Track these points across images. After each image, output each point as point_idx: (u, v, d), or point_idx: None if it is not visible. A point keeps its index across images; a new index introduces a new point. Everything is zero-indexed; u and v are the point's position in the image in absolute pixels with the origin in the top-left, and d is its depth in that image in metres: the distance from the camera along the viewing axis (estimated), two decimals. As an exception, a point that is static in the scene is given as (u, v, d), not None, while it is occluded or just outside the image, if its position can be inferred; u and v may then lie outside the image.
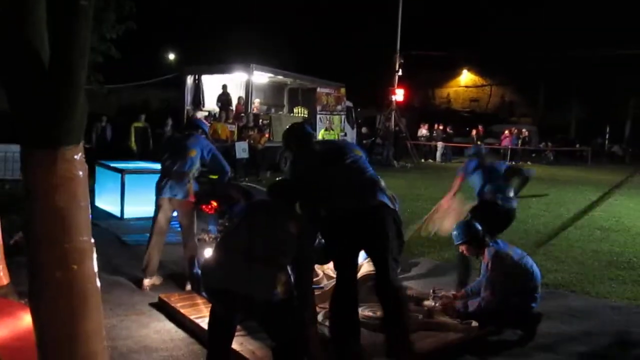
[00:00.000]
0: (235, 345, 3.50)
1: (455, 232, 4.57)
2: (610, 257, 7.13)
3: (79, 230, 2.07)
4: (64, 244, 2.03)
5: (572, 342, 4.35)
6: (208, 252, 4.72)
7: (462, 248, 4.56)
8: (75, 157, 2.02)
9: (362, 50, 31.88)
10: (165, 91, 21.86)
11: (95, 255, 2.14)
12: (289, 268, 3.08)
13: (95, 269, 2.14)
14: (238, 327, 3.42)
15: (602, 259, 6.93)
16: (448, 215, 5.30)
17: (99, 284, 2.16)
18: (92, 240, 2.14)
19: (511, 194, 5.11)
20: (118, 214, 8.39)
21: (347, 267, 3.65)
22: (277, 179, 3.82)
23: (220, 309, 3.16)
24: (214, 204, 4.80)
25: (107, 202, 8.53)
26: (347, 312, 3.61)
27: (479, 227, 4.48)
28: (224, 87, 15.72)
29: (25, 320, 4.26)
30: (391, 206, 3.57)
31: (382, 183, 3.63)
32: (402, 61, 22.37)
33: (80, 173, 2.06)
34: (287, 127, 4.11)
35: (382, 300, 3.56)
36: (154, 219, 5.23)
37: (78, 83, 1.92)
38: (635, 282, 5.99)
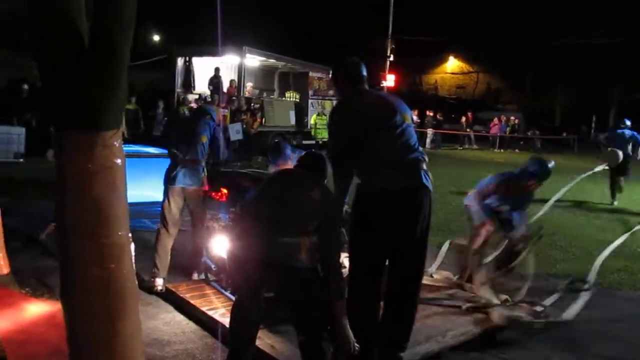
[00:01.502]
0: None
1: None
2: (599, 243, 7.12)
3: (117, 224, 1.89)
4: (101, 239, 1.85)
5: (596, 336, 4.31)
6: (217, 240, 4.55)
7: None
8: (115, 143, 1.83)
9: (355, 34, 31.50)
10: (150, 73, 21.38)
11: (133, 250, 1.96)
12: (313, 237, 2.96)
13: (133, 265, 1.96)
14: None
15: (601, 247, 6.88)
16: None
17: (136, 282, 1.98)
18: (130, 235, 1.96)
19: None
20: (111, 199, 8.14)
21: (375, 256, 3.22)
22: (309, 151, 3.64)
23: (247, 284, 3.02)
24: (224, 191, 4.62)
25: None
26: (370, 310, 3.24)
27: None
28: (217, 69, 15.35)
29: (28, 311, 4.07)
30: (430, 188, 3.24)
31: (425, 165, 3.26)
32: (393, 46, 22.18)
33: (119, 161, 1.88)
34: (339, 60, 3.47)
35: (390, 302, 3.24)
36: (164, 209, 4.88)
37: (121, 57, 1.74)
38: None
